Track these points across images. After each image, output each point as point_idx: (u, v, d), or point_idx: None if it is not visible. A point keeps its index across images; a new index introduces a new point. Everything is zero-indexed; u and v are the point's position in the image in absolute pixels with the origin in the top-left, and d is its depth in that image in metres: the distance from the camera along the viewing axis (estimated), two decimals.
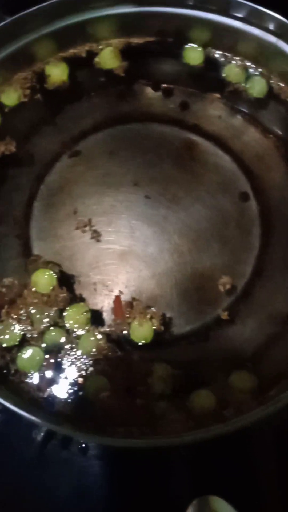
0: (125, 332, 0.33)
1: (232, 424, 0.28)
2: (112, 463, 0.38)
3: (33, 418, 0.26)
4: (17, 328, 0.32)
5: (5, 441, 0.37)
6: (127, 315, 0.33)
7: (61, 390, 0.31)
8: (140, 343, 0.32)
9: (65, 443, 0.37)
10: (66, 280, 0.35)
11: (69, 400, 0.31)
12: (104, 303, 0.35)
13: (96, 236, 0.37)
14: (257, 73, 0.37)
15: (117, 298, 0.34)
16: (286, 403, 0.28)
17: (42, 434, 0.35)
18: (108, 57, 0.38)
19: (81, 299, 0.35)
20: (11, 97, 0.37)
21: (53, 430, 0.35)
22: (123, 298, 0.35)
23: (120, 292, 0.35)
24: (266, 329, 0.34)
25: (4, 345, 0.31)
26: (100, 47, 0.38)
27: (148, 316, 0.33)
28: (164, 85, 0.40)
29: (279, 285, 0.36)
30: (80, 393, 0.31)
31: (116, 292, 0.35)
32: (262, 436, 0.36)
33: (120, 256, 0.37)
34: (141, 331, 0.33)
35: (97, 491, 0.37)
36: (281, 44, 0.35)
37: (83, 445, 0.38)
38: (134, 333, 0.33)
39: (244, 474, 0.37)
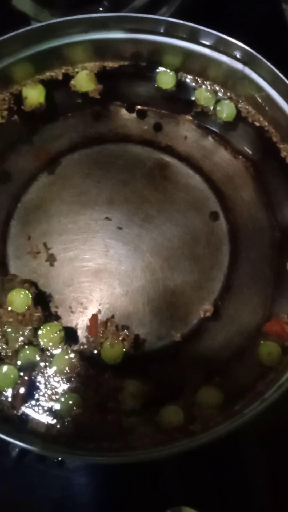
0: (96, 351, 0.34)
1: (197, 440, 0.29)
2: (87, 475, 0.39)
3: (5, 437, 0.27)
4: None
5: None
6: (100, 335, 0.34)
7: (35, 407, 0.32)
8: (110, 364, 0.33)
9: (41, 457, 0.38)
10: (41, 298, 0.36)
11: (42, 417, 0.32)
12: (79, 320, 0.36)
13: (71, 254, 0.38)
14: (226, 97, 0.39)
15: (94, 316, 0.35)
16: (252, 417, 0.30)
17: (17, 449, 0.36)
18: (83, 80, 0.39)
19: (56, 317, 0.36)
20: None
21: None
22: (100, 317, 0.36)
23: (99, 311, 0.36)
24: (234, 343, 0.36)
25: None
26: (76, 70, 0.39)
27: (121, 338, 0.34)
28: (139, 107, 0.41)
29: (246, 301, 0.37)
30: (53, 410, 0.32)
31: (90, 310, 0.37)
32: (233, 448, 0.38)
33: (95, 274, 0.38)
34: (112, 352, 0.34)
35: (72, 502, 0.38)
36: (247, 70, 0.36)
37: (59, 459, 0.39)
38: (105, 354, 0.34)
39: (216, 485, 0.38)
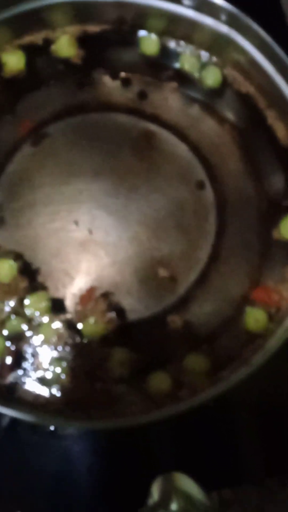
0: (80, 324, 0.34)
1: (184, 405, 0.29)
2: (79, 444, 0.39)
3: None
4: None
5: None
6: (89, 309, 0.34)
7: (22, 376, 0.32)
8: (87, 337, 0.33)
9: (34, 428, 0.39)
10: (28, 269, 0.36)
11: (30, 386, 0.32)
12: (66, 291, 0.36)
13: (58, 225, 0.38)
14: (211, 63, 0.38)
15: (92, 289, 0.35)
16: (238, 382, 0.30)
17: (7, 420, 0.36)
18: (64, 45, 0.38)
19: (43, 288, 0.36)
20: None
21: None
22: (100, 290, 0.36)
23: (94, 287, 0.36)
24: (221, 312, 0.36)
25: None
26: (56, 35, 0.38)
27: (106, 319, 0.34)
28: (122, 74, 0.40)
29: (233, 270, 0.37)
30: (41, 379, 0.32)
31: (77, 280, 0.36)
32: (222, 413, 0.38)
33: (81, 245, 0.37)
34: (92, 329, 0.34)
35: (66, 471, 0.39)
36: (233, 34, 0.35)
37: (52, 428, 0.39)
38: (85, 328, 0.34)
39: (206, 450, 0.39)
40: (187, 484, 0.36)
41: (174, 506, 0.36)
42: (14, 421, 0.38)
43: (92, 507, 0.38)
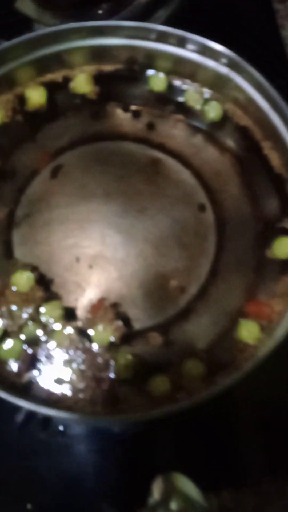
0: (91, 330, 0.38)
1: (182, 404, 0.33)
2: (85, 443, 0.42)
3: (12, 399, 0.31)
4: None
5: None
6: (99, 317, 0.38)
7: (37, 376, 0.36)
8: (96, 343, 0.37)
9: (44, 426, 0.42)
10: (43, 281, 0.40)
11: (44, 385, 0.35)
12: (77, 301, 0.40)
13: (71, 241, 0.42)
14: (213, 98, 0.42)
15: (101, 299, 0.39)
16: (230, 386, 0.33)
17: (22, 416, 0.40)
18: (82, 83, 0.42)
19: (57, 297, 0.40)
20: None
21: (32, 412, 0.40)
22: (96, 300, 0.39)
23: (104, 297, 0.39)
24: (218, 324, 0.39)
25: None
26: (75, 73, 0.43)
27: (114, 327, 0.37)
28: (133, 107, 0.45)
29: (230, 286, 0.41)
30: (53, 379, 0.36)
31: (88, 292, 0.40)
32: (223, 416, 0.41)
33: (92, 260, 0.41)
34: (100, 336, 0.37)
35: (71, 468, 0.42)
36: (232, 74, 0.40)
37: (61, 428, 0.42)
38: (95, 335, 0.37)
39: (206, 452, 0.42)
40: (185, 485, 0.37)
41: (173, 505, 0.38)
42: (27, 418, 0.41)
43: (96, 503, 0.40)
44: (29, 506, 0.41)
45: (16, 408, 0.43)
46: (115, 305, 0.39)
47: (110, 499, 0.41)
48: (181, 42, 0.39)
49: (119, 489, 0.41)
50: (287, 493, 0.41)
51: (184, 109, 0.44)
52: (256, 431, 0.42)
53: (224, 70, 0.40)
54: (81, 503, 0.41)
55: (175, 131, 0.45)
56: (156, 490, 0.37)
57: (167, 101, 0.44)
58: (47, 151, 0.44)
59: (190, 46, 0.39)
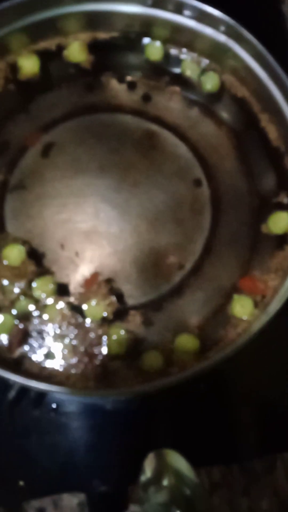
0: (83, 305, 0.37)
1: (174, 379, 0.32)
2: (78, 420, 0.42)
3: (4, 374, 0.31)
4: None
5: None
6: (92, 292, 0.37)
7: (29, 352, 0.36)
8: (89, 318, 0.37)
9: (37, 403, 0.42)
10: (35, 256, 0.39)
11: (36, 360, 0.35)
12: (70, 277, 0.39)
13: (65, 216, 0.41)
14: (210, 69, 0.41)
15: (95, 274, 0.38)
16: (222, 360, 0.33)
17: (13, 393, 0.39)
18: (76, 51, 0.41)
19: (50, 273, 0.39)
20: None
21: (24, 389, 0.40)
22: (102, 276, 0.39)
23: (98, 272, 0.39)
24: (212, 300, 0.39)
25: None
26: (69, 41, 0.41)
27: (107, 303, 0.37)
28: (129, 78, 0.44)
29: (224, 262, 0.40)
30: (45, 354, 0.35)
31: (81, 267, 0.39)
32: (216, 393, 0.41)
33: (86, 235, 0.41)
34: (93, 311, 0.37)
35: (64, 445, 0.42)
36: (230, 43, 0.38)
37: (54, 406, 0.42)
38: (88, 310, 0.37)
39: (196, 429, 0.42)
40: (177, 461, 0.38)
41: (165, 482, 0.38)
42: (19, 396, 0.41)
43: (88, 480, 0.41)
44: (21, 483, 0.41)
45: (7, 386, 0.43)
46: (108, 281, 0.39)
47: (102, 476, 0.41)
48: (179, 8, 0.38)
49: (111, 466, 0.41)
50: (275, 470, 0.42)
51: (181, 80, 0.42)
52: (246, 408, 0.42)
53: (222, 38, 0.38)
54: (73, 480, 0.41)
55: (171, 104, 0.43)
56: (148, 467, 0.37)
57: (163, 71, 0.43)
58: (40, 122, 0.42)
59: (187, 12, 0.38)
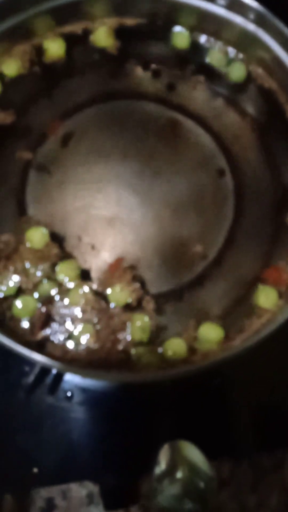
0: (107, 290, 0.37)
1: (195, 366, 0.32)
2: (92, 409, 0.42)
3: (27, 353, 0.30)
4: (13, 280, 0.36)
5: None
6: (116, 277, 0.37)
7: (51, 335, 0.35)
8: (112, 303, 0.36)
9: (52, 391, 0.42)
10: (57, 241, 0.39)
11: (58, 344, 0.35)
12: (92, 263, 0.39)
13: (86, 202, 0.40)
14: (237, 59, 0.41)
15: (119, 259, 0.38)
16: (246, 349, 0.33)
17: (32, 378, 0.39)
18: (102, 36, 0.41)
19: (71, 258, 0.39)
20: (11, 68, 0.40)
21: (41, 376, 0.39)
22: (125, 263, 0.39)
23: (122, 257, 0.38)
24: (233, 290, 0.39)
25: (1, 294, 0.35)
26: (95, 25, 0.41)
27: (131, 289, 0.37)
28: (153, 65, 0.43)
29: (246, 253, 0.40)
30: (68, 338, 0.35)
31: (103, 254, 0.39)
32: (232, 383, 0.41)
33: (108, 221, 0.40)
34: (117, 297, 0.36)
35: (77, 433, 0.42)
36: (260, 32, 0.38)
37: (69, 394, 0.42)
38: (112, 295, 0.37)
39: (214, 419, 0.42)
40: (192, 453, 0.37)
41: (179, 474, 0.38)
42: (36, 382, 0.41)
43: (99, 471, 0.40)
44: (35, 470, 0.41)
45: (24, 373, 0.43)
46: (130, 268, 0.38)
47: (114, 467, 0.41)
48: None
49: (123, 458, 0.41)
50: (284, 466, 0.42)
51: (206, 70, 0.42)
52: (256, 403, 0.42)
53: (251, 27, 0.38)
54: (86, 469, 0.41)
55: (195, 93, 0.43)
56: (163, 459, 0.37)
57: (189, 60, 0.43)
58: (63, 107, 0.42)
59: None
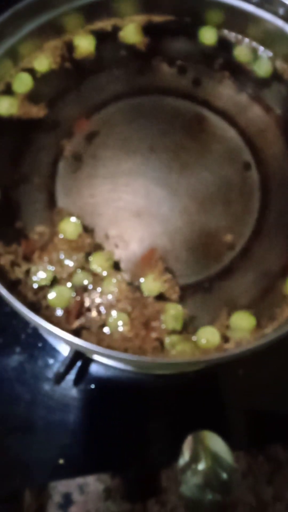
0: (141, 279, 0.38)
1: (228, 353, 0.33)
2: (116, 402, 0.42)
3: (66, 336, 0.31)
4: (48, 270, 0.36)
5: (22, 378, 0.42)
6: (149, 268, 0.38)
7: (87, 323, 0.36)
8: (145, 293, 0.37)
9: (76, 382, 0.43)
10: (87, 233, 0.40)
11: (94, 332, 0.35)
12: (121, 254, 0.39)
13: (115, 195, 0.41)
14: (264, 54, 0.42)
15: (152, 250, 0.39)
16: (280, 337, 0.33)
17: (63, 368, 0.39)
18: (131, 32, 0.42)
19: (102, 249, 0.39)
20: (42, 64, 0.41)
21: (69, 366, 0.40)
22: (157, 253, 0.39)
23: (155, 248, 0.39)
24: (261, 281, 0.39)
25: (37, 284, 0.36)
26: (125, 22, 0.42)
27: (164, 278, 0.37)
28: (179, 62, 0.44)
29: (273, 245, 0.41)
30: (103, 325, 0.36)
31: (132, 245, 0.40)
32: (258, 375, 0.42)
33: (136, 214, 0.41)
34: (150, 286, 0.37)
35: (102, 424, 0.42)
36: (287, 28, 0.39)
37: (92, 386, 0.43)
38: (145, 284, 0.37)
39: (237, 409, 0.42)
40: (216, 443, 0.38)
41: (202, 465, 0.38)
42: (64, 372, 0.41)
43: (120, 463, 0.41)
44: (61, 461, 0.41)
45: (49, 365, 0.43)
46: (160, 260, 0.39)
47: (138, 458, 0.42)
48: None
49: (147, 448, 0.42)
50: None
51: (232, 66, 0.43)
52: (273, 396, 0.43)
53: (279, 23, 0.39)
54: (112, 462, 0.41)
55: (221, 88, 0.44)
56: (187, 450, 0.37)
57: (215, 56, 0.43)
58: (92, 102, 0.43)
59: None
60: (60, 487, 0.41)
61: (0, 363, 0.43)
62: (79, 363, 0.42)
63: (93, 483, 0.41)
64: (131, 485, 0.41)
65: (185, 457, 0.38)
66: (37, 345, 0.44)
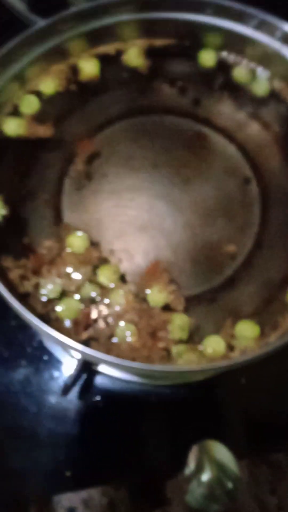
0: (147, 291, 0.39)
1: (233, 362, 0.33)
2: (119, 413, 0.43)
3: (75, 345, 0.32)
4: (57, 283, 0.37)
5: (28, 391, 0.43)
6: (154, 280, 0.39)
7: (95, 334, 0.36)
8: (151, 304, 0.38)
9: (82, 395, 0.43)
10: (93, 247, 0.41)
11: (102, 343, 0.36)
12: (126, 267, 0.40)
13: (120, 210, 0.42)
14: (262, 75, 0.44)
15: (157, 262, 0.40)
16: (283, 345, 0.34)
17: (71, 379, 0.40)
18: (134, 56, 0.44)
19: (107, 262, 0.40)
20: (48, 86, 0.42)
21: (76, 378, 0.40)
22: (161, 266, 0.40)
23: (159, 261, 0.40)
24: (264, 291, 0.40)
25: (46, 297, 0.37)
26: (127, 46, 0.44)
27: (169, 290, 0.38)
28: (179, 83, 0.46)
29: (274, 256, 0.42)
30: (111, 336, 0.36)
31: (137, 259, 0.41)
32: (260, 384, 0.42)
33: (140, 228, 0.42)
34: (156, 297, 0.38)
35: (109, 438, 0.42)
36: (284, 49, 0.41)
37: (98, 398, 0.43)
38: (151, 296, 0.38)
39: (239, 419, 0.43)
40: (221, 453, 0.38)
41: (207, 475, 0.38)
42: (71, 384, 0.42)
43: (126, 474, 0.41)
44: (67, 473, 0.41)
45: (54, 378, 0.44)
46: (165, 272, 0.40)
47: (143, 469, 0.42)
48: (238, 16, 0.40)
49: (151, 459, 0.42)
50: None
51: (231, 85, 0.45)
52: (276, 403, 0.43)
53: (276, 45, 0.41)
54: (116, 473, 0.42)
55: (220, 107, 0.46)
56: (192, 460, 0.38)
57: (214, 77, 0.45)
58: (96, 122, 0.44)
59: (246, 20, 0.40)
60: (64, 501, 0.41)
61: (6, 376, 0.43)
62: (84, 376, 0.43)
63: (98, 496, 0.41)
64: (135, 497, 0.41)
65: (190, 466, 0.38)
66: (43, 358, 0.44)
